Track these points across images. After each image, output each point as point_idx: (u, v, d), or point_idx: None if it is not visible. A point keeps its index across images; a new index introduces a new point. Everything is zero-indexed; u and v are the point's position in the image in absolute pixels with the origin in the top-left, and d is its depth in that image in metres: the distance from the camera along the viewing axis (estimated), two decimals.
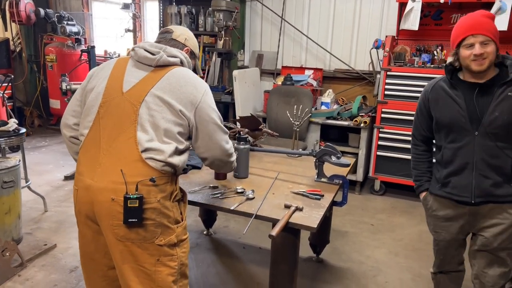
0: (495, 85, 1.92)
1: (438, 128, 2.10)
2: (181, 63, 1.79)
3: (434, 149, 2.24)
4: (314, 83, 5.28)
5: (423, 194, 2.25)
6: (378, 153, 4.59)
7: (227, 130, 1.83)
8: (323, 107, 5.02)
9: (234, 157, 1.94)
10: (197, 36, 6.48)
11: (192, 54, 1.94)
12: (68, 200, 4.22)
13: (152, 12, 6.95)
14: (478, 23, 1.87)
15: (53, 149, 5.95)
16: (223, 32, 5.53)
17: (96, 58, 5.87)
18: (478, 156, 1.97)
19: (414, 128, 2.26)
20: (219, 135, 1.78)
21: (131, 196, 1.56)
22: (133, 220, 1.58)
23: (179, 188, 1.81)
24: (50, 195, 4.26)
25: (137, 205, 1.56)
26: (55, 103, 6.80)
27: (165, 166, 1.64)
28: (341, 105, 5.04)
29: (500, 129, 1.92)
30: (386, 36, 4.67)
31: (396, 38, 4.75)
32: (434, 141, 2.22)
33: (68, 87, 4.95)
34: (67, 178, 4.79)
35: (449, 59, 2.01)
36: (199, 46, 6.15)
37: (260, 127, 3.03)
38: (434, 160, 2.22)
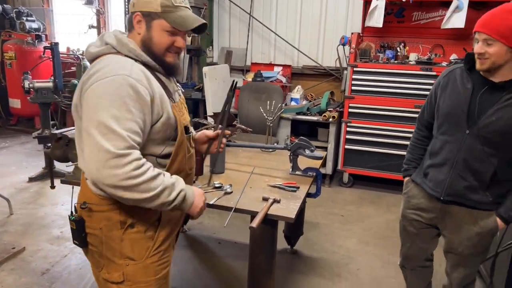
0: (506, 89, 1.78)
1: (436, 115, 2.02)
2: (115, 50, 1.43)
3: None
4: (284, 80, 5.37)
5: (406, 179, 2.23)
6: (346, 146, 4.74)
7: (127, 139, 1.30)
8: (293, 103, 5.12)
9: (144, 191, 1.32)
10: None
11: (146, 17, 1.43)
12: (34, 202, 4.08)
13: (117, 8, 6.80)
14: (489, 20, 1.72)
15: (14, 150, 5.71)
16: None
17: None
18: (461, 155, 1.89)
19: (420, 113, 2.19)
20: (98, 140, 1.27)
21: (70, 217, 1.50)
22: (76, 242, 1.53)
23: (150, 220, 1.52)
24: (15, 198, 4.10)
25: (74, 227, 1.49)
26: (15, 103, 6.52)
27: (102, 190, 1.37)
28: (310, 101, 5.15)
29: (492, 135, 1.81)
30: (352, 33, 4.83)
31: (361, 35, 4.90)
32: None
33: (30, 85, 4.78)
34: (31, 179, 4.63)
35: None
36: None
37: (234, 123, 3.07)
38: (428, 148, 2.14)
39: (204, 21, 1.56)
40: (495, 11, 1.74)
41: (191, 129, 1.74)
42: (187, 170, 1.65)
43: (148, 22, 1.45)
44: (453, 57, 4.61)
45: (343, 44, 4.84)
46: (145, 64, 1.45)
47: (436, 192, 2.00)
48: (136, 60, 1.44)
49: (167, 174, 1.43)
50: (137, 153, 1.32)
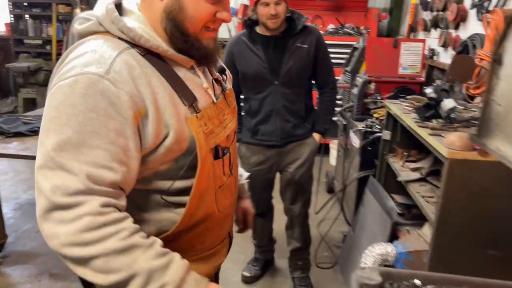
0: (287, 38, 2.17)
1: (244, 80, 2.26)
2: (103, 28, 0.95)
3: (242, 103, 2.43)
4: None
5: (237, 144, 2.40)
6: None
7: (82, 180, 0.84)
8: None
9: (96, 270, 0.84)
10: (49, 5, 6.14)
11: None
12: None
13: None
14: None
15: None
16: (78, 0, 5.32)
17: None
18: (279, 104, 2.24)
19: None
20: (39, 179, 0.86)
21: None
22: None
23: None
24: None
25: None
26: None
27: None
28: None
29: (294, 78, 2.21)
30: (240, 4, 5.09)
31: (248, 6, 5.19)
32: (241, 95, 2.40)
33: None
34: None
35: (249, 15, 2.21)
36: (53, 16, 5.78)
37: None
38: (242, 113, 2.43)
39: None
40: None
41: (232, 142, 1.17)
42: (218, 210, 1.11)
43: None
44: (330, 26, 5.13)
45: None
46: (150, 53, 0.95)
47: (273, 141, 2.34)
48: (133, 46, 0.93)
49: (156, 246, 0.88)
50: (95, 203, 0.82)
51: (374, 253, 1.93)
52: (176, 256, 0.90)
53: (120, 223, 0.86)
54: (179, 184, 1.02)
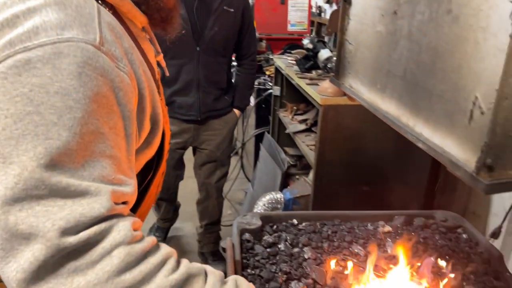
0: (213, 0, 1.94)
1: (159, 41, 2.15)
2: None
3: None
4: None
5: None
6: None
7: (103, 198, 0.57)
8: None
9: None
10: None
11: None
12: None
13: None
14: None
15: None
16: None
17: None
18: (201, 73, 2.00)
19: None
20: (34, 217, 0.52)
21: None
22: None
23: None
24: None
25: None
26: None
27: None
28: None
29: (218, 45, 2.00)
30: None
31: None
32: None
33: None
34: None
35: None
36: None
37: None
38: None
39: None
40: None
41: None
42: (153, 201, 0.98)
43: None
44: None
45: None
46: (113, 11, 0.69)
47: (191, 115, 2.10)
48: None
49: (211, 269, 0.68)
50: (127, 226, 0.57)
51: (264, 202, 2.01)
52: (239, 277, 0.72)
53: (159, 248, 0.61)
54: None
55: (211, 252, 2.58)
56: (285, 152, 2.57)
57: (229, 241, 1.22)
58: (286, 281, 1.10)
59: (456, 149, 0.64)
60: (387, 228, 1.30)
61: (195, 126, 2.18)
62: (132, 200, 0.63)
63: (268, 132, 2.87)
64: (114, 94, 0.59)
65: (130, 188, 0.61)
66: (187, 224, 2.88)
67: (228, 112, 2.25)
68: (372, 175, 1.78)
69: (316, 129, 2.32)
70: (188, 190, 2.60)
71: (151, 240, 0.60)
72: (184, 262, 0.62)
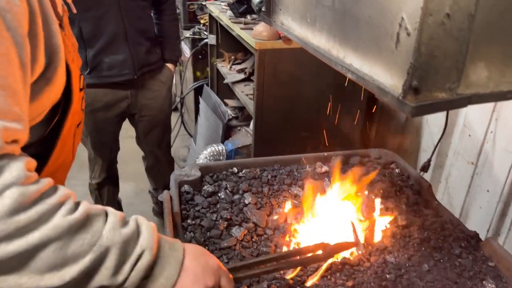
0: None
1: None
2: None
3: None
4: None
5: None
6: None
7: None
8: None
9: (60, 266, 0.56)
10: None
11: None
12: None
13: None
14: None
15: None
16: None
17: None
18: (127, 22, 1.75)
19: None
20: None
21: None
22: None
23: None
24: None
25: None
26: None
27: None
28: None
29: None
30: None
31: None
32: None
33: None
34: None
35: None
36: None
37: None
38: None
39: None
40: None
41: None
42: (72, 156, 0.90)
43: None
44: None
45: None
46: None
47: (126, 74, 1.82)
48: None
49: (112, 210, 0.64)
50: (20, 166, 0.54)
51: (206, 154, 1.97)
52: (140, 217, 0.67)
53: (56, 190, 0.58)
54: (41, 129, 0.73)
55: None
56: (226, 104, 2.51)
57: (167, 194, 1.17)
58: (227, 228, 1.09)
59: (384, 76, 0.63)
60: (324, 169, 1.33)
61: (132, 91, 1.92)
62: (23, 138, 0.58)
63: (207, 85, 2.77)
64: (1, 18, 0.54)
65: (24, 125, 0.57)
66: (130, 184, 2.79)
67: (161, 67, 2.03)
68: (310, 120, 1.78)
69: (254, 78, 2.28)
70: (126, 150, 2.47)
71: (47, 181, 0.57)
72: (84, 203, 0.59)
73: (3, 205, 0.50)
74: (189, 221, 1.12)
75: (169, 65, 2.07)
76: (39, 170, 0.64)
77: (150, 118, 2.08)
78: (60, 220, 0.54)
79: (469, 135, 1.60)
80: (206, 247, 1.02)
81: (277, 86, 1.66)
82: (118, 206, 2.35)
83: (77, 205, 0.58)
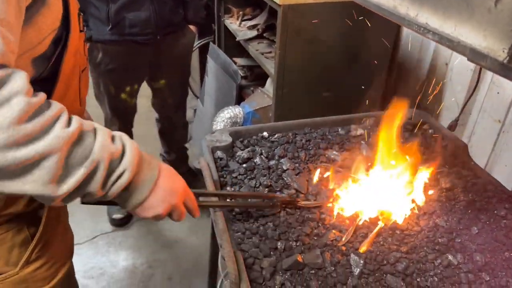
0: None
1: None
2: None
3: None
4: None
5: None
6: None
7: None
8: None
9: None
10: None
11: None
12: None
13: None
14: None
15: None
16: None
17: None
18: None
19: None
20: None
21: None
22: None
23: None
24: None
25: None
26: None
27: None
28: None
29: None
30: None
31: None
32: None
33: None
34: None
35: None
36: None
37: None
38: None
39: None
40: None
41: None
42: (80, 104, 0.91)
43: None
44: None
45: None
46: None
47: (148, 34, 1.74)
48: None
49: (99, 126, 0.68)
50: (23, 77, 0.57)
51: (223, 117, 1.92)
52: (124, 135, 0.73)
53: (51, 103, 0.61)
54: (43, 63, 0.74)
55: (188, 172, 2.43)
56: (234, 63, 2.42)
57: (203, 161, 1.14)
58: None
59: (476, 37, 0.58)
60: (359, 131, 1.29)
61: (153, 53, 1.82)
62: (14, 51, 0.59)
63: (214, 42, 2.66)
64: None
65: (15, 37, 0.59)
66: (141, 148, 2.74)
67: (183, 29, 1.95)
68: (331, 80, 1.73)
69: (268, 35, 2.18)
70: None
71: (42, 95, 0.60)
72: (75, 118, 0.63)
73: (12, 112, 0.53)
74: (228, 188, 1.09)
75: (192, 27, 1.99)
76: None
77: (170, 81, 2.02)
78: (60, 131, 0.58)
79: (498, 92, 1.56)
80: (250, 214, 1.01)
81: (300, 44, 1.58)
82: None
83: (70, 118, 0.62)
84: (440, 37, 0.63)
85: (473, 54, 0.57)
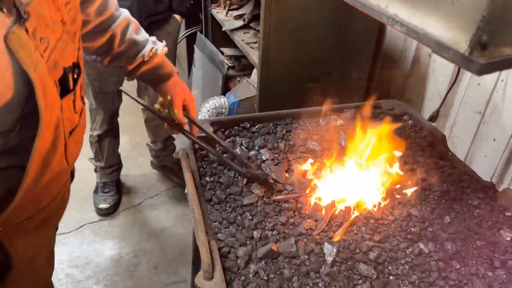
0: None
1: None
2: None
3: None
4: None
5: None
6: None
7: None
8: None
9: None
10: None
11: None
12: None
13: None
14: None
15: None
16: None
17: None
18: None
19: None
20: None
21: None
22: None
23: None
24: None
25: None
26: None
27: None
28: None
29: None
30: None
31: None
32: None
33: None
34: None
35: None
36: None
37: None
38: None
39: None
40: None
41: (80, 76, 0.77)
42: (68, 163, 0.80)
43: None
44: None
45: None
46: None
47: None
48: None
49: None
50: None
51: (208, 108, 1.91)
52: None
53: None
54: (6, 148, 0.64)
55: (174, 163, 2.43)
56: (222, 53, 2.40)
57: (182, 151, 1.14)
58: (246, 184, 1.07)
59: (440, 29, 0.58)
60: (340, 122, 1.30)
61: None
62: None
63: (201, 32, 2.64)
64: None
65: None
66: (124, 137, 2.72)
67: (168, 18, 1.93)
68: (316, 70, 1.73)
69: (254, 25, 2.17)
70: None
71: None
72: None
73: None
74: (207, 178, 1.10)
75: (177, 16, 1.97)
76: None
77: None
78: None
79: (478, 84, 1.58)
80: (228, 204, 1.01)
81: (283, 34, 1.58)
82: (118, 159, 2.31)
83: None
84: (408, 29, 0.63)
85: (438, 46, 0.58)
